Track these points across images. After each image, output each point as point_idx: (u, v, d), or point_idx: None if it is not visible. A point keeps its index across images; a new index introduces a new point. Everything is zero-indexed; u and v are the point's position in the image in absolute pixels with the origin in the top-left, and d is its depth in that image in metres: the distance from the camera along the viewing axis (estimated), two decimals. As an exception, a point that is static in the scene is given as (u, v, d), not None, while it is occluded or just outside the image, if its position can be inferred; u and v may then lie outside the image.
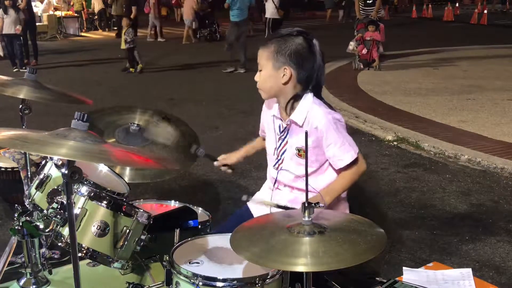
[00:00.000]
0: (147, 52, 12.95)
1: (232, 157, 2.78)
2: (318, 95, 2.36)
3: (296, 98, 2.33)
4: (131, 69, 11.27)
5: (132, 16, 11.92)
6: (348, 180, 2.38)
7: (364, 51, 10.80)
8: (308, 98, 2.33)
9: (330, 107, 2.39)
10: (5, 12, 10.96)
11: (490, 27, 20.12)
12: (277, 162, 2.45)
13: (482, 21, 21.30)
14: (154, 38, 17.49)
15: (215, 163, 2.77)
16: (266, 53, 2.31)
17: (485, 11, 22.08)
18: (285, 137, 2.40)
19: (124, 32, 11.20)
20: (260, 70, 2.35)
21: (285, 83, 2.31)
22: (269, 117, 2.48)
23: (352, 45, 11.16)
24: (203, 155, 2.69)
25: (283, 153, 2.41)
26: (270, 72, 2.31)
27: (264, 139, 2.65)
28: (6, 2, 10.92)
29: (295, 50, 2.26)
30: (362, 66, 10.88)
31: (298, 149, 2.36)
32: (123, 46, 11.17)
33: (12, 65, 11.44)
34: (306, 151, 1.83)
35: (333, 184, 2.38)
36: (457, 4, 26.62)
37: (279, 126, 2.43)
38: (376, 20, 10.96)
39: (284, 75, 2.29)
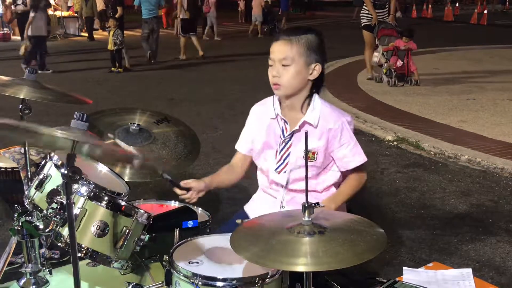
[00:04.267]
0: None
1: (199, 183, 2.40)
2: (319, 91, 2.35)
3: (312, 96, 2.31)
4: (112, 69, 11.29)
5: (117, 16, 11.91)
6: (356, 183, 2.36)
7: (399, 63, 8.95)
8: (317, 100, 2.31)
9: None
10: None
11: (490, 27, 20.12)
12: (280, 165, 2.38)
13: (482, 21, 21.31)
14: (211, 37, 17.75)
15: (177, 190, 2.38)
16: (296, 48, 2.18)
17: (485, 11, 22.12)
18: (290, 139, 2.34)
19: (113, 33, 11.21)
20: (287, 65, 2.20)
21: (312, 80, 2.26)
22: (266, 121, 2.41)
23: (377, 56, 9.14)
24: (168, 180, 2.35)
25: (287, 157, 2.35)
26: (301, 68, 2.22)
27: (247, 161, 2.53)
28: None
29: (320, 46, 2.24)
30: (396, 81, 8.96)
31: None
32: (111, 47, 11.18)
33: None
34: (306, 151, 1.83)
35: (340, 190, 2.37)
36: (457, 4, 26.64)
37: (282, 129, 2.37)
38: (411, 28, 9.36)
39: (312, 72, 2.24)
